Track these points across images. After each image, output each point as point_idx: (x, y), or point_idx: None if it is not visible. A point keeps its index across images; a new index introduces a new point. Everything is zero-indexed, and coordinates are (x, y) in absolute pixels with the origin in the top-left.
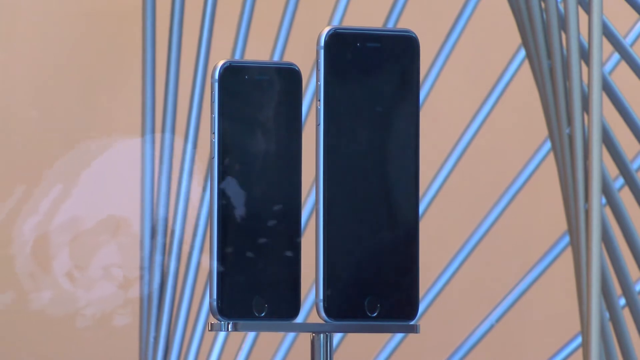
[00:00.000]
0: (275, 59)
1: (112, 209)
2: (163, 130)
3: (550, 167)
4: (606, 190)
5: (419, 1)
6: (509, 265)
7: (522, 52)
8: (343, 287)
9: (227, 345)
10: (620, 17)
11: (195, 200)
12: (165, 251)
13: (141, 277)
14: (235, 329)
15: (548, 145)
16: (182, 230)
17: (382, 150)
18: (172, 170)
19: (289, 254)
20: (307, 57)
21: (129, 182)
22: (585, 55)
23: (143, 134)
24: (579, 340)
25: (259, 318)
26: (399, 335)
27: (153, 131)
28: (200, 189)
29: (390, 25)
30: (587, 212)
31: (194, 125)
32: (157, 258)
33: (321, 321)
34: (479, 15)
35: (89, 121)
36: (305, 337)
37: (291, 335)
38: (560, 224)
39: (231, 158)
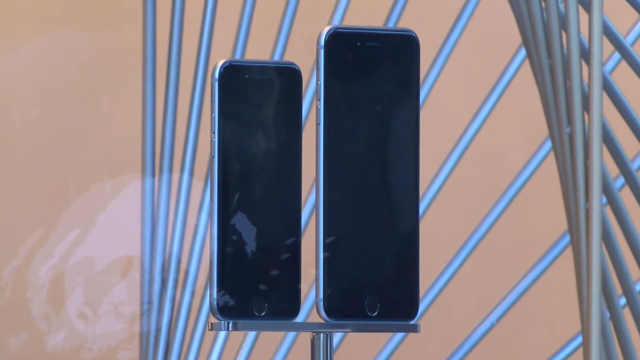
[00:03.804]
0: (275, 58)
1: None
2: (163, 136)
3: (551, 166)
4: (606, 189)
5: (419, 1)
6: (509, 265)
7: (522, 52)
8: (343, 287)
9: (227, 345)
10: (620, 16)
11: (195, 199)
12: (166, 252)
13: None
14: (235, 328)
15: (548, 144)
16: (182, 229)
17: (382, 150)
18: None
19: (289, 253)
20: (307, 57)
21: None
22: (585, 54)
23: (143, 134)
24: (579, 340)
25: (259, 318)
26: (399, 335)
27: (153, 132)
28: (199, 189)
29: (390, 25)
30: (588, 212)
31: (194, 125)
32: (158, 259)
33: (321, 321)
34: (479, 15)
35: (89, 121)
36: (305, 337)
37: (291, 335)
38: (560, 223)
39: (231, 158)
